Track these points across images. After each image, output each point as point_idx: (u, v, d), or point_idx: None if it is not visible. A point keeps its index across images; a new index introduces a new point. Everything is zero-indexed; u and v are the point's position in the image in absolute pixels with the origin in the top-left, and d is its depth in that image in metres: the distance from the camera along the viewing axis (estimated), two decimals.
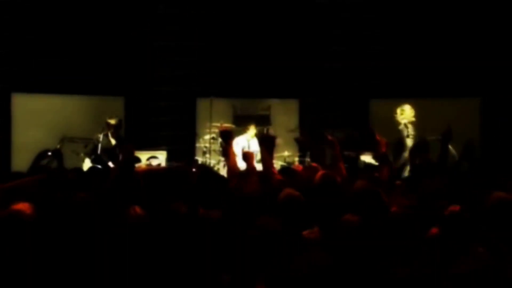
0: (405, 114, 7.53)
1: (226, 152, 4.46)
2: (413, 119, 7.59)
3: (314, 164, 4.40)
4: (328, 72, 9.41)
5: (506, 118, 8.79)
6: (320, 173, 3.90)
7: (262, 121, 9.04)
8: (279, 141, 6.93)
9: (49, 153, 5.57)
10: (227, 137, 4.55)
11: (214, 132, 8.90)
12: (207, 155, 8.83)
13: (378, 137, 4.60)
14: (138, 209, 3.20)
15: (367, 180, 3.76)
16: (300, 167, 4.53)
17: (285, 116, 9.68)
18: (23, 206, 3.25)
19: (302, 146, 8.47)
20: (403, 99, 8.51)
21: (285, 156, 8.70)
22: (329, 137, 4.51)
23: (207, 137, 8.95)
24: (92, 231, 3.32)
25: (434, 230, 2.99)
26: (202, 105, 9.54)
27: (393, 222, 2.90)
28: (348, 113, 9.49)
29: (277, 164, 8.42)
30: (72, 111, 9.25)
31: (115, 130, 7.82)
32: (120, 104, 9.61)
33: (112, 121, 7.79)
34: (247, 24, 9.53)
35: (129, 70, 9.51)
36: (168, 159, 8.35)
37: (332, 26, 9.41)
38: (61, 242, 3.28)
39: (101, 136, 7.64)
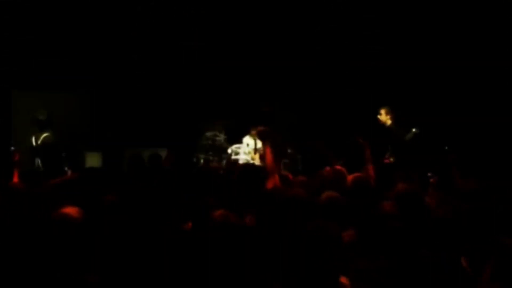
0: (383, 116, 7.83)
1: (264, 151, 4.35)
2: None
3: (338, 167, 4.45)
4: (327, 71, 9.52)
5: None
6: (353, 176, 3.97)
7: (265, 119, 9.09)
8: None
9: (63, 154, 5.60)
10: (265, 137, 4.42)
11: (216, 129, 8.96)
12: (210, 152, 8.89)
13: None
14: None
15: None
16: (328, 169, 4.60)
17: (287, 114, 9.77)
18: (71, 210, 3.31)
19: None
20: (399, 98, 8.67)
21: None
22: (360, 141, 4.56)
23: (209, 134, 9.00)
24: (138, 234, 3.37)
25: None
26: (203, 102, 9.58)
27: (437, 224, 2.98)
28: (345, 112, 9.62)
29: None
30: (72, 107, 9.22)
31: (43, 126, 6.96)
32: (119, 101, 9.61)
33: (39, 117, 6.99)
34: (248, 24, 9.56)
35: (128, 68, 9.50)
36: None
37: (331, 26, 9.49)
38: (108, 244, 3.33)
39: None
